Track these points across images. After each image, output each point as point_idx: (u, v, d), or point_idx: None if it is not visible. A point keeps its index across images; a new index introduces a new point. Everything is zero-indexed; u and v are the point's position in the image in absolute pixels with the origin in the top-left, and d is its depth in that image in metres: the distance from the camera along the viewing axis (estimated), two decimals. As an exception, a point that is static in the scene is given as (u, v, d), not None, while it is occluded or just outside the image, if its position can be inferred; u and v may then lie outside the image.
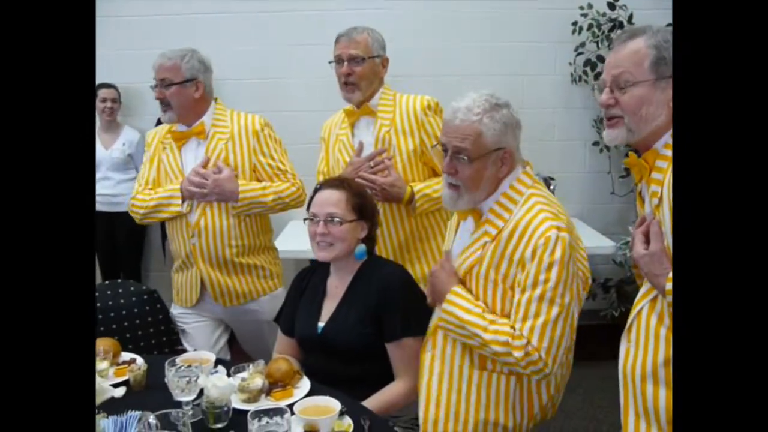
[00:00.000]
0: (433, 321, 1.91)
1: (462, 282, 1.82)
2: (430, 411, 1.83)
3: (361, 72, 2.40)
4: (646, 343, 1.47)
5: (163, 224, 2.67)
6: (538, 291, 1.65)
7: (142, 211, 2.50)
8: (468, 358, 1.81)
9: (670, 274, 1.37)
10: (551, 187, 3.74)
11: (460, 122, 1.73)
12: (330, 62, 2.46)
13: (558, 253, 1.64)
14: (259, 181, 2.50)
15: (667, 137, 1.44)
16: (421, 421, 1.85)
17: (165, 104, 2.43)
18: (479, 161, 1.73)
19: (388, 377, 2.00)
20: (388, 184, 2.36)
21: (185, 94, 2.41)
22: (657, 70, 1.42)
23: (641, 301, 1.52)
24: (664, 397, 1.43)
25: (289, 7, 3.90)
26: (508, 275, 1.72)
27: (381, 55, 2.46)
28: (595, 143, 3.95)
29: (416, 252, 2.53)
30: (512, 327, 1.69)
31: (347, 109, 2.53)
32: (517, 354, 1.66)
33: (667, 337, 1.42)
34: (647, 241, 1.45)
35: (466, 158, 1.73)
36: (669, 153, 1.42)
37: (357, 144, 2.49)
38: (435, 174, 2.47)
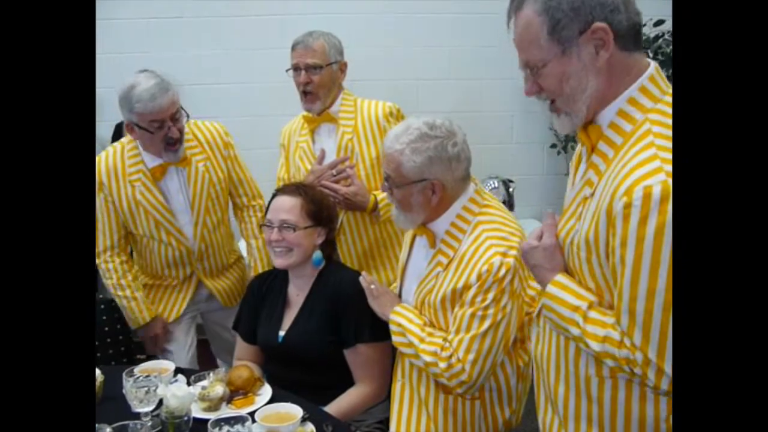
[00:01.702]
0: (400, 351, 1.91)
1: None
2: None
3: (319, 80, 2.37)
4: (551, 331, 1.40)
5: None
6: (472, 308, 1.71)
7: (108, 284, 2.41)
8: (433, 383, 1.85)
9: (557, 276, 1.32)
10: (510, 190, 3.78)
11: (387, 149, 1.77)
12: (287, 70, 2.44)
13: (500, 274, 1.68)
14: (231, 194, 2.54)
15: (612, 115, 1.23)
16: None
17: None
18: (403, 189, 1.77)
19: (348, 383, 2.00)
20: (351, 193, 2.35)
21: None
22: (558, 37, 1.19)
23: None
24: (562, 394, 1.38)
25: (248, 12, 3.86)
26: (455, 301, 1.75)
27: (338, 61, 2.42)
28: (553, 146, 4.01)
29: (380, 258, 2.54)
30: (445, 340, 1.76)
31: (306, 115, 2.50)
32: (442, 365, 1.74)
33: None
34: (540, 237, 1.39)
35: (389, 184, 1.79)
36: (612, 136, 1.23)
37: (318, 151, 2.47)
38: None
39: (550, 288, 1.33)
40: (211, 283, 2.52)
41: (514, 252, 1.70)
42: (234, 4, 3.82)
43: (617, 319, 1.21)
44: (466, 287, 1.72)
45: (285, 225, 2.00)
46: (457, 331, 1.73)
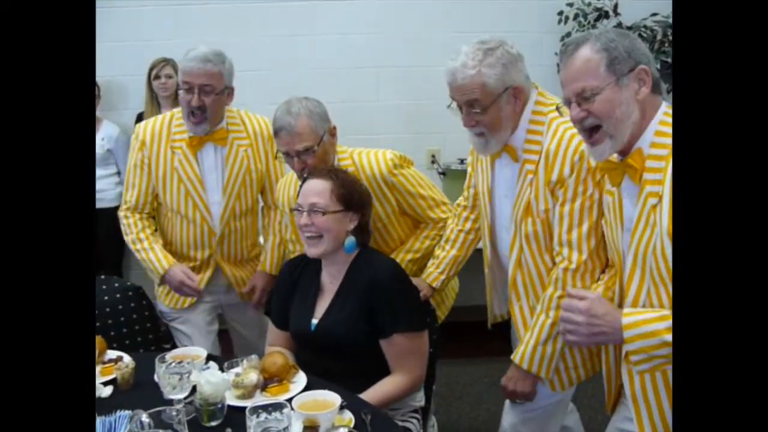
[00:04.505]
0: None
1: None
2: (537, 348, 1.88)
3: (314, 162, 2.09)
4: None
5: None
6: (578, 202, 1.77)
7: (128, 240, 2.44)
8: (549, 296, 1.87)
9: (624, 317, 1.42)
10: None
11: (462, 81, 1.80)
12: (276, 157, 2.22)
13: (593, 162, 1.70)
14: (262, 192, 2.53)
15: (650, 135, 1.45)
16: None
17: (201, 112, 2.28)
18: (493, 107, 1.80)
19: (384, 372, 1.94)
20: None
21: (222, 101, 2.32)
22: (614, 70, 1.45)
23: None
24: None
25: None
26: (553, 196, 1.80)
27: (326, 129, 2.13)
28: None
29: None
30: (560, 243, 1.81)
31: None
32: (573, 280, 1.79)
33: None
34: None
35: (479, 109, 1.80)
36: (659, 152, 1.42)
37: None
38: (416, 223, 2.32)
39: (627, 319, 1.42)
40: (230, 269, 2.49)
41: None
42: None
43: None
44: (560, 181, 1.77)
45: (314, 209, 1.94)
46: (570, 228, 1.78)
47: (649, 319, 1.38)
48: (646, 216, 1.44)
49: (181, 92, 2.28)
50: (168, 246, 2.47)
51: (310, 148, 2.08)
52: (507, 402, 2.05)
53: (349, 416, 1.59)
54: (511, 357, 1.93)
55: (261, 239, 2.67)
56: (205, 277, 2.48)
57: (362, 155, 2.22)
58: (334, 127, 2.19)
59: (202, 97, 2.24)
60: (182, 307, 2.49)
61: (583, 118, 1.49)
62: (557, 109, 1.72)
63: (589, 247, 1.77)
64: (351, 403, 1.64)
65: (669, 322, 1.33)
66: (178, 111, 2.41)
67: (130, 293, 2.43)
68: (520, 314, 1.97)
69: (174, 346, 2.46)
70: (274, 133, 2.13)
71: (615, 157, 1.53)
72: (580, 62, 1.48)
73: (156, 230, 2.50)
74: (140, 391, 1.77)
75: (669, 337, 1.33)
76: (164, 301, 2.51)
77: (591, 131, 1.50)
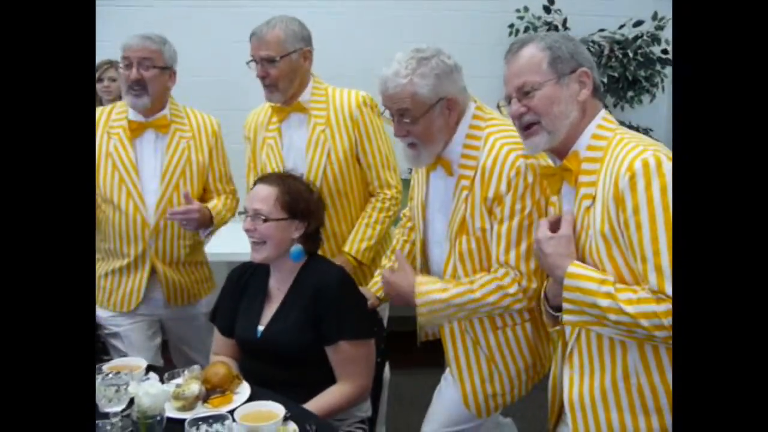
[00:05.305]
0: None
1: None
2: (465, 379, 1.91)
3: (276, 74, 2.25)
4: (591, 366, 1.47)
5: None
6: (516, 220, 1.73)
7: None
8: (477, 320, 1.87)
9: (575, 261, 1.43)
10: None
11: (393, 90, 1.76)
12: (248, 62, 2.31)
13: (530, 179, 1.71)
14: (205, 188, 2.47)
15: (587, 138, 1.48)
16: (460, 391, 1.91)
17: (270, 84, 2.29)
18: (424, 118, 1.76)
19: (330, 381, 1.92)
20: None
21: None
22: (556, 68, 1.48)
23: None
24: (617, 420, 1.43)
25: (234, 4, 3.78)
26: (490, 213, 1.77)
27: (299, 49, 2.27)
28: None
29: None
30: (495, 270, 1.77)
31: (275, 105, 2.39)
32: (512, 290, 1.75)
33: (612, 356, 1.43)
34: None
35: (410, 119, 1.76)
36: (594, 154, 1.45)
37: (286, 149, 2.38)
38: (367, 193, 2.42)
39: (573, 269, 1.41)
40: (165, 271, 2.39)
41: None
42: None
43: (646, 281, 1.31)
44: (498, 198, 1.73)
45: (257, 215, 1.92)
46: (508, 248, 1.74)
47: (591, 277, 1.38)
48: (581, 218, 1.46)
49: (121, 70, 2.29)
50: (101, 242, 2.37)
51: (272, 58, 2.22)
52: (428, 412, 2.03)
53: (293, 427, 1.56)
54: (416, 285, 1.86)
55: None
56: (142, 282, 2.36)
57: (336, 90, 2.38)
58: (310, 51, 2.32)
59: (141, 71, 2.25)
60: (122, 310, 2.37)
61: (522, 114, 1.50)
62: (498, 107, 1.71)
63: (528, 269, 1.74)
64: (295, 413, 1.61)
65: (608, 288, 1.34)
66: (120, 102, 2.40)
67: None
68: (450, 336, 1.92)
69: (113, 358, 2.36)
70: (249, 38, 2.27)
71: (548, 158, 1.56)
72: (523, 59, 1.50)
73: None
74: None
75: (602, 302, 1.34)
76: (106, 305, 2.39)
77: (528, 127, 1.51)
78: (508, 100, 1.53)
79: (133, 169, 2.31)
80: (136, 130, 2.33)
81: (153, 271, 2.38)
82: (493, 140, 1.77)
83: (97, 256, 2.40)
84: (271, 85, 2.28)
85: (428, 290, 1.82)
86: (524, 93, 1.49)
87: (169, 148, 2.35)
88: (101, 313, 2.42)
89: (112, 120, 2.35)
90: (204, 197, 2.47)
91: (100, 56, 3.04)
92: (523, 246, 1.73)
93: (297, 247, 1.95)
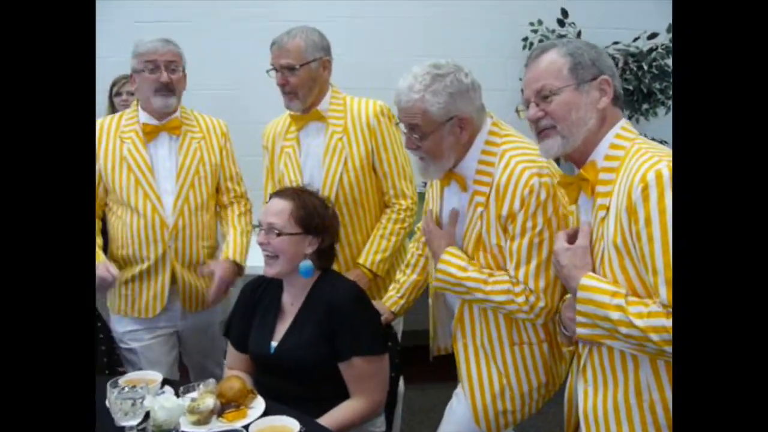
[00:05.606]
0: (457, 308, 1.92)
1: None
2: (476, 395, 1.90)
3: (295, 82, 2.30)
4: (605, 380, 1.46)
5: (104, 232, 2.45)
6: (528, 237, 1.72)
7: None
8: (496, 334, 1.86)
9: (589, 273, 1.43)
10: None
11: (405, 104, 1.76)
12: (268, 71, 2.35)
13: (543, 197, 1.70)
14: (217, 190, 2.50)
15: (605, 148, 1.47)
16: (471, 408, 1.90)
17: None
18: (433, 135, 1.76)
19: (344, 396, 1.92)
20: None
21: None
22: (576, 74, 1.47)
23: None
24: None
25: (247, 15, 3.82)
26: (505, 231, 1.76)
27: (319, 58, 2.32)
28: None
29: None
30: (510, 276, 1.75)
31: (293, 114, 2.43)
32: (519, 300, 1.73)
33: (624, 371, 1.42)
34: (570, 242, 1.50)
35: (418, 135, 1.77)
36: (611, 164, 1.44)
37: (304, 157, 2.40)
38: (383, 204, 2.45)
39: (585, 281, 1.41)
40: (184, 275, 2.39)
41: (546, 171, 1.73)
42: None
43: (657, 295, 1.30)
44: (511, 216, 1.72)
45: (271, 229, 1.93)
46: (518, 265, 1.74)
47: (603, 290, 1.37)
48: (597, 229, 1.45)
49: (144, 73, 2.30)
50: (119, 249, 2.38)
51: (293, 67, 2.27)
52: (439, 430, 2.03)
53: (307, 442, 1.56)
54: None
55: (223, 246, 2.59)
56: (164, 286, 2.36)
57: (354, 99, 2.42)
58: (329, 61, 2.37)
59: (170, 75, 2.30)
60: (147, 316, 2.37)
61: (539, 118, 1.50)
62: (516, 111, 1.69)
63: (537, 286, 1.72)
64: (309, 428, 1.61)
65: (619, 301, 1.34)
66: (129, 110, 2.43)
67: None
68: (464, 352, 1.92)
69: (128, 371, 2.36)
70: (270, 47, 2.33)
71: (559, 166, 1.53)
72: (544, 64, 1.50)
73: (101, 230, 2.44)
74: (91, 417, 1.71)
75: (613, 314, 1.34)
76: (129, 312, 2.39)
77: (543, 131, 1.51)
78: (527, 104, 1.53)
79: (149, 170, 2.34)
80: (150, 134, 2.36)
81: (173, 277, 2.39)
82: (509, 157, 1.76)
83: (115, 265, 2.38)
84: (290, 93, 2.32)
85: (451, 261, 1.82)
86: (543, 97, 1.48)
87: (182, 149, 2.39)
88: (119, 328, 2.42)
89: (122, 126, 2.39)
90: (217, 199, 2.52)
91: (108, 69, 3.06)
92: (533, 264, 1.72)
93: (306, 263, 1.95)
